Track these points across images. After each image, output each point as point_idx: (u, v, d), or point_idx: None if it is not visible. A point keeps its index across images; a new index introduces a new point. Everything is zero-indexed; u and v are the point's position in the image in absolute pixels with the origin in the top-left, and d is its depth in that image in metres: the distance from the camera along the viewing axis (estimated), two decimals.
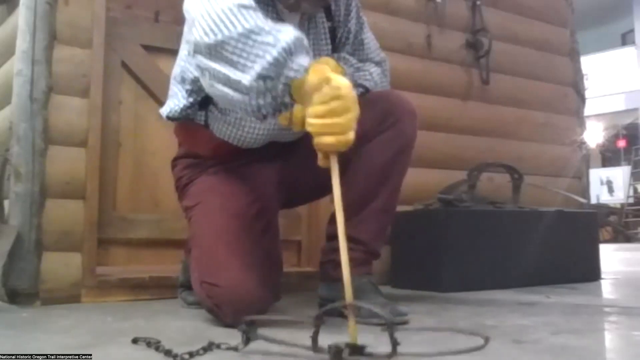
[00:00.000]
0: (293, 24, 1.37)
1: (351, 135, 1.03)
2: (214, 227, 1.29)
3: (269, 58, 1.05)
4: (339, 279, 1.39)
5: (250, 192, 1.36)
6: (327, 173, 1.46)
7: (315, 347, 0.91)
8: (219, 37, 1.09)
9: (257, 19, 1.10)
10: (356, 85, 1.44)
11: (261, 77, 1.06)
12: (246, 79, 1.06)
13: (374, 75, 1.48)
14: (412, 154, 1.44)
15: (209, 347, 0.98)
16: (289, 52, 1.06)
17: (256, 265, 1.24)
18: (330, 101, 1.02)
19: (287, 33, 1.08)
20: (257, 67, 1.06)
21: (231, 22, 1.09)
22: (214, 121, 1.39)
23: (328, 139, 1.02)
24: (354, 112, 1.03)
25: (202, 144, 1.43)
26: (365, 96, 1.44)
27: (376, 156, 1.38)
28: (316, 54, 1.42)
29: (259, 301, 1.25)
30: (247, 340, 0.98)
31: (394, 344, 0.85)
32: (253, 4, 1.14)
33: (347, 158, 1.42)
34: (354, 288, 1.35)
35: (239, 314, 1.22)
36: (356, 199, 1.42)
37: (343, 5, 1.48)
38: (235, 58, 1.08)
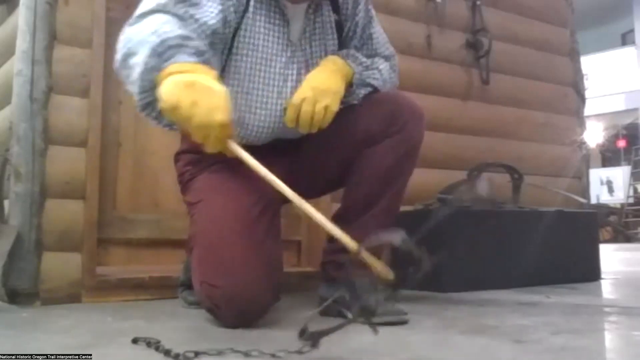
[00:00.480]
0: (298, 18, 1.38)
1: (214, 124, 1.03)
2: (216, 228, 1.29)
3: (136, 87, 1.10)
4: (340, 280, 1.39)
5: (253, 192, 1.35)
6: (331, 171, 1.46)
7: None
8: (115, 64, 1.18)
9: (139, 32, 1.12)
10: (364, 84, 1.44)
11: (144, 107, 1.11)
12: (138, 105, 1.12)
13: (383, 72, 1.47)
14: (418, 157, 1.44)
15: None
16: (150, 70, 1.08)
17: (257, 267, 1.24)
18: (173, 118, 1.05)
19: (143, 51, 1.08)
20: (136, 95, 1.11)
21: (123, 43, 1.16)
22: None
23: (206, 148, 1.08)
24: (199, 108, 1.03)
25: None
26: (373, 96, 1.43)
27: (381, 159, 1.38)
28: (322, 48, 1.42)
29: (259, 303, 1.25)
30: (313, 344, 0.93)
31: (419, 256, 0.87)
32: (154, 6, 1.17)
33: (353, 160, 1.43)
34: (353, 289, 1.35)
35: (238, 316, 1.22)
36: (359, 201, 1.42)
37: None
38: (126, 84, 1.16)
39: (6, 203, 1.69)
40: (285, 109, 1.34)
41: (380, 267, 0.95)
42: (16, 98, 1.67)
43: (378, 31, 1.53)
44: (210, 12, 1.23)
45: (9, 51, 1.79)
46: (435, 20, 2.51)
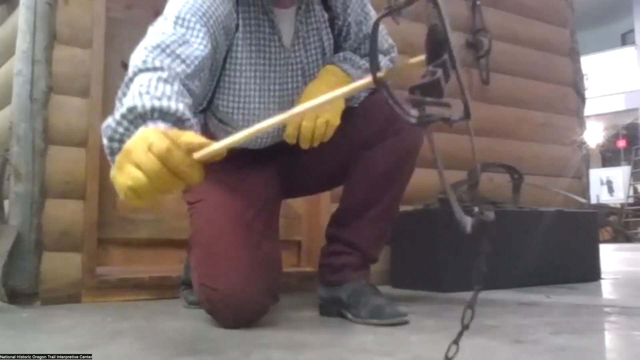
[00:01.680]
0: (288, 21, 1.34)
1: (162, 158, 0.81)
2: (214, 229, 1.29)
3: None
4: (336, 284, 1.39)
5: (251, 192, 1.35)
6: (328, 171, 1.46)
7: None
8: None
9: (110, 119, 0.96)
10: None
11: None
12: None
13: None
14: (415, 162, 1.43)
15: None
16: (111, 139, 0.92)
17: (256, 269, 1.24)
18: (141, 197, 0.84)
19: (110, 122, 0.93)
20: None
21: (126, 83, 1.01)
22: (214, 128, 1.37)
23: (195, 181, 0.88)
24: (142, 165, 0.82)
25: None
26: (371, 99, 1.41)
27: (378, 164, 1.37)
28: (318, 51, 1.39)
29: (257, 305, 1.25)
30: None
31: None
32: (139, 64, 1.02)
33: (350, 161, 1.42)
34: (352, 290, 1.36)
35: (237, 317, 1.22)
36: (355, 204, 1.41)
37: None
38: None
39: (6, 203, 1.69)
40: (285, 124, 1.32)
41: (407, 64, 0.80)
42: (16, 98, 1.67)
43: None
44: (200, 48, 1.13)
45: (9, 51, 1.79)
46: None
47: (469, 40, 2.61)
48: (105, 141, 0.92)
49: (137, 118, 0.90)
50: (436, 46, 0.70)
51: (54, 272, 1.66)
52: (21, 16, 1.69)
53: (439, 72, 0.67)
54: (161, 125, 0.88)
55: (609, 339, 1.19)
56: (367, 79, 0.81)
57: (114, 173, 0.85)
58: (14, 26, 1.76)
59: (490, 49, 2.60)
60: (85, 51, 1.76)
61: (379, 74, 0.77)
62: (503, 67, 2.70)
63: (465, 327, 0.65)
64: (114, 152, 0.90)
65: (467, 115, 0.66)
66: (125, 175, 0.82)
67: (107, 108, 1.94)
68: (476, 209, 0.65)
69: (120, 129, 0.90)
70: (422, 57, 0.75)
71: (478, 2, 2.63)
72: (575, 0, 3.12)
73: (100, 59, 1.80)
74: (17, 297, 1.60)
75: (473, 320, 0.64)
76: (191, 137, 0.85)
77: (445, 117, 0.66)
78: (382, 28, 1.51)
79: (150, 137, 0.82)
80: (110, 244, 2.00)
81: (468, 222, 0.67)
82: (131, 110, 0.90)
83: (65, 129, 1.71)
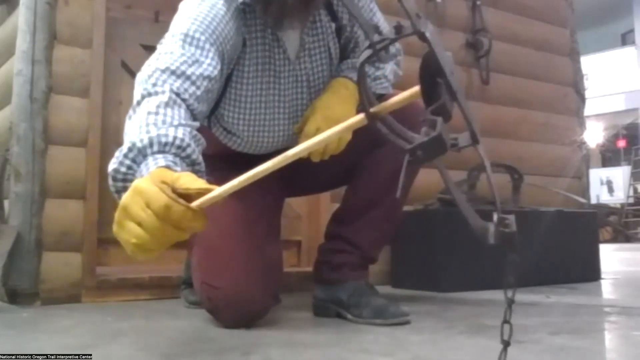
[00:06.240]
0: (293, 36, 1.31)
1: (161, 216, 0.82)
2: (217, 228, 1.28)
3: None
4: (334, 282, 1.39)
5: (254, 191, 1.35)
6: (337, 172, 1.46)
7: None
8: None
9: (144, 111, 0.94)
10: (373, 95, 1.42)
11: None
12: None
13: (388, 76, 1.43)
14: (420, 165, 1.43)
15: None
16: (115, 179, 0.90)
17: (258, 269, 1.24)
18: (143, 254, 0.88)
19: (117, 158, 0.89)
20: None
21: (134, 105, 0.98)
22: (219, 135, 1.36)
23: (199, 227, 0.91)
24: (141, 225, 0.83)
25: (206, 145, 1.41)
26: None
27: (385, 163, 1.37)
28: (324, 62, 1.37)
29: (258, 306, 1.25)
30: None
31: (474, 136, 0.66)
32: (149, 87, 1.00)
33: (357, 164, 1.42)
34: (352, 291, 1.36)
35: (238, 318, 1.22)
36: (359, 203, 1.41)
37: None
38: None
39: (6, 203, 1.69)
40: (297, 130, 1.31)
41: (401, 98, 0.81)
42: (16, 98, 1.67)
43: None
44: (209, 68, 1.11)
45: (9, 51, 1.79)
46: (435, 20, 2.51)
47: (469, 40, 2.62)
48: (109, 181, 0.90)
49: (138, 155, 0.89)
50: (431, 78, 0.68)
51: (54, 272, 1.66)
52: (21, 16, 1.70)
53: (439, 124, 0.64)
54: (160, 161, 0.87)
55: (609, 339, 1.19)
56: (360, 116, 0.81)
57: (115, 229, 0.84)
58: (14, 26, 1.76)
59: (490, 49, 2.60)
60: (85, 51, 1.76)
61: (372, 110, 0.76)
62: (503, 67, 2.71)
63: (507, 344, 0.63)
64: (118, 191, 0.90)
65: (475, 141, 0.65)
66: (127, 232, 0.82)
67: (107, 108, 1.95)
68: (495, 217, 0.60)
69: (123, 169, 0.89)
70: (416, 89, 0.75)
71: (478, 2, 2.63)
72: (575, 0, 3.12)
73: (100, 59, 1.80)
74: (17, 297, 1.60)
75: (511, 335, 0.62)
76: (188, 182, 0.83)
77: (453, 144, 0.66)
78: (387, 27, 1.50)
79: (146, 192, 0.80)
80: (110, 244, 1.99)
81: (490, 231, 0.62)
82: (131, 148, 0.88)
83: (65, 129, 1.71)
